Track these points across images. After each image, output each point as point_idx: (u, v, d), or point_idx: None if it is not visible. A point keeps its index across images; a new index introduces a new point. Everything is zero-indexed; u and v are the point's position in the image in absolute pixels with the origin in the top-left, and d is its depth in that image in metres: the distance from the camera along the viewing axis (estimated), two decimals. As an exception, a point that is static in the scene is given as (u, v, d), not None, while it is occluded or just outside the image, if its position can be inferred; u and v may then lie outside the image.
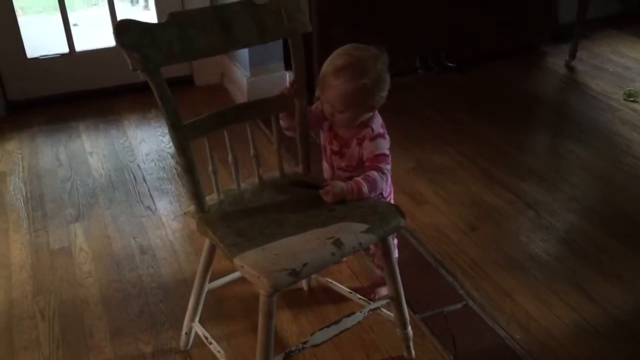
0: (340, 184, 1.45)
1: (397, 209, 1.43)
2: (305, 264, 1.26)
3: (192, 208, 1.46)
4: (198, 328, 1.58)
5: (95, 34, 3.55)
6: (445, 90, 3.17)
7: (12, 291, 1.89)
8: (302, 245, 1.32)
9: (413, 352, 1.62)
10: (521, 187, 2.34)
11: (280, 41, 2.89)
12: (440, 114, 2.94)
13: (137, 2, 4.59)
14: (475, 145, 2.64)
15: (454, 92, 3.16)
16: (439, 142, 2.68)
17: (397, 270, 1.49)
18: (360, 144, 1.52)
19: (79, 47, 3.09)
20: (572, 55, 3.43)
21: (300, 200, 1.50)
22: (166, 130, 2.86)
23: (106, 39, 3.12)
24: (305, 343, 1.42)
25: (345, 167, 1.57)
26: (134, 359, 1.64)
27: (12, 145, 2.75)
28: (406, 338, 1.58)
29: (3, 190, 2.43)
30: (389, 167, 1.51)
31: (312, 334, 1.43)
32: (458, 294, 1.83)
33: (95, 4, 4.51)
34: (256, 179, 1.57)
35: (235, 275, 1.66)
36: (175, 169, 2.52)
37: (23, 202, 2.35)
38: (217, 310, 1.78)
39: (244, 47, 1.48)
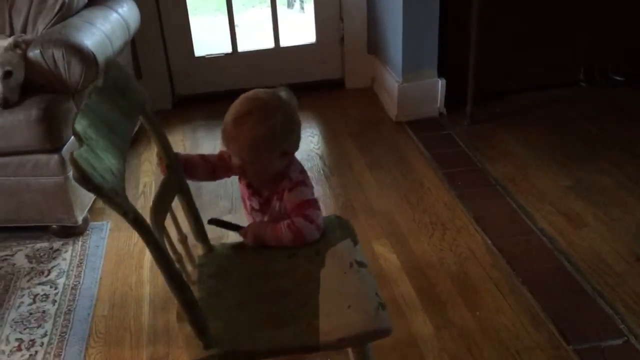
0: (257, 225, 1.42)
1: (336, 217, 1.48)
2: (377, 293, 1.24)
3: (199, 351, 1.13)
4: None
5: (254, 35, 3.73)
6: (611, 106, 2.94)
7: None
8: (346, 286, 1.26)
9: None
10: (698, 217, 2.11)
11: (436, 45, 2.85)
12: (605, 131, 2.73)
13: (293, 5, 4.76)
14: (644, 167, 2.42)
15: (621, 108, 2.92)
16: (601, 162, 2.48)
17: None
18: (280, 198, 1.40)
19: (240, 47, 3.25)
20: None
21: (257, 265, 1.37)
22: (315, 131, 2.93)
23: (264, 40, 3.28)
24: None
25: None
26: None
27: (177, 137, 2.96)
28: None
29: (166, 178, 2.62)
30: (318, 212, 1.39)
31: None
32: (618, 329, 1.68)
33: (254, 6, 4.73)
34: (189, 267, 1.36)
35: None
36: (323, 171, 2.58)
37: (183, 190, 2.52)
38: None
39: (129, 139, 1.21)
